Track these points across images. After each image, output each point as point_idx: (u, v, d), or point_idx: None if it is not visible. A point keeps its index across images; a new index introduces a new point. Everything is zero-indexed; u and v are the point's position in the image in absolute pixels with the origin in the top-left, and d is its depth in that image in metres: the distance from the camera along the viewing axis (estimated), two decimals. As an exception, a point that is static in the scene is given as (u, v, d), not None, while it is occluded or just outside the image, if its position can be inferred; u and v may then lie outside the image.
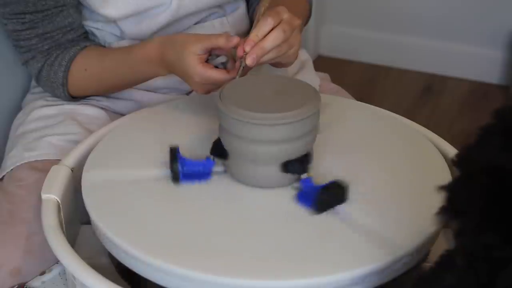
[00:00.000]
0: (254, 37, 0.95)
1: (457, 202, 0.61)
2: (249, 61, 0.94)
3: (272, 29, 0.95)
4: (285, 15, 0.97)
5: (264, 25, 0.95)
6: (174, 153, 0.90)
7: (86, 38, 1.15)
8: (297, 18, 0.99)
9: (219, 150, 0.91)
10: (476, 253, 0.59)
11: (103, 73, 1.11)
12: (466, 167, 0.62)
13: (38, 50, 1.11)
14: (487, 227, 0.58)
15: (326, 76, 1.35)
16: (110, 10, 1.09)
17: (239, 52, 0.95)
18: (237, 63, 0.97)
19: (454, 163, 0.63)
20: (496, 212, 0.57)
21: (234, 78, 0.96)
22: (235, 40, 0.97)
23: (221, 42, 0.97)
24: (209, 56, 0.99)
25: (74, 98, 1.15)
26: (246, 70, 0.97)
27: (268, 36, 0.95)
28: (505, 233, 0.57)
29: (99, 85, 1.13)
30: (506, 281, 0.57)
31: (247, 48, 0.95)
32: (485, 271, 0.58)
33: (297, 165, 0.88)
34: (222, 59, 1.04)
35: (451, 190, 0.62)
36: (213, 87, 0.99)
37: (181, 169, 0.90)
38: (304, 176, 0.89)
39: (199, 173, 0.91)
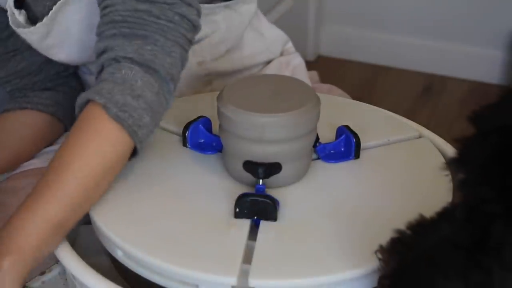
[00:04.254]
0: None
1: (464, 154, 0.62)
2: None
3: None
4: None
5: None
6: (193, 121, 0.95)
7: (55, 80, 1.11)
8: None
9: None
10: (473, 207, 0.60)
11: None
12: (481, 125, 0.63)
13: (5, 91, 1.10)
14: (485, 180, 0.59)
15: (314, 75, 1.30)
16: (59, 57, 1.04)
17: None
18: None
19: (470, 120, 0.64)
20: (496, 167, 0.58)
21: None
22: None
23: None
24: None
25: None
26: None
27: None
28: (500, 188, 0.58)
29: None
30: (496, 237, 0.57)
31: None
32: (480, 227, 0.59)
33: (256, 168, 0.87)
34: None
35: (463, 143, 0.63)
36: None
37: (192, 136, 0.95)
38: (259, 182, 0.88)
39: (209, 146, 0.96)
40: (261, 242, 0.81)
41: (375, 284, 0.80)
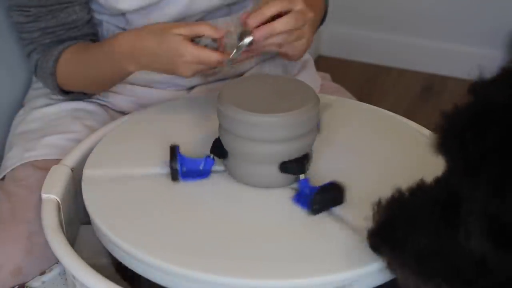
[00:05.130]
0: (260, 13, 0.91)
1: (447, 125, 0.68)
2: (257, 35, 0.92)
3: (281, 15, 0.93)
4: (299, 5, 0.95)
5: (273, 6, 0.93)
6: (174, 151, 0.90)
7: (89, 37, 1.14)
8: (311, 11, 0.97)
9: (219, 149, 0.91)
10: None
11: (79, 67, 1.10)
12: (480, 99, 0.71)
13: (40, 43, 1.11)
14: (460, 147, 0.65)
15: (326, 75, 1.35)
16: (123, 4, 1.08)
17: (245, 24, 0.92)
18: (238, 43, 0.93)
19: (469, 91, 0.72)
20: (469, 134, 0.65)
21: (227, 57, 0.93)
22: (222, 31, 0.95)
23: (205, 30, 0.94)
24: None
25: (65, 93, 1.14)
26: (245, 54, 0.95)
27: (279, 19, 0.93)
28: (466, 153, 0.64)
29: (78, 79, 1.12)
30: (465, 202, 0.63)
31: (253, 22, 0.92)
32: (453, 192, 0.66)
33: (295, 165, 0.88)
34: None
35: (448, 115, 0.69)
36: (201, 67, 0.96)
37: (180, 167, 0.90)
38: (302, 177, 0.89)
39: (199, 171, 0.91)
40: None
41: (372, 285, 0.80)
